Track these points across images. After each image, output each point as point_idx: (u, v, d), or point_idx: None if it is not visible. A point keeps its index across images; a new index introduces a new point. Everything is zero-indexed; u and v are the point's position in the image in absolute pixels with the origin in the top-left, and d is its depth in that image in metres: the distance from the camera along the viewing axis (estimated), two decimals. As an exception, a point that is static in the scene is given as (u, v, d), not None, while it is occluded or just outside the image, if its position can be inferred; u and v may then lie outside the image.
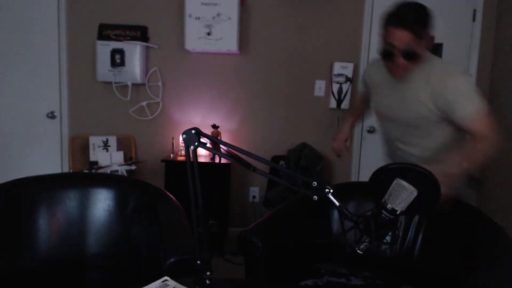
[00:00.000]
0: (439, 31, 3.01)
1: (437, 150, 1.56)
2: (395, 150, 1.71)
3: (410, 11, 1.38)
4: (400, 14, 1.38)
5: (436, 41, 3.02)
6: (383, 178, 0.80)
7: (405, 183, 0.72)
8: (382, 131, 1.79)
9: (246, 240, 1.41)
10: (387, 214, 0.73)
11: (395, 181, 0.73)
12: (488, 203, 2.92)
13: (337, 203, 0.75)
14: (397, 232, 0.69)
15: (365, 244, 0.76)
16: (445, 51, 3.03)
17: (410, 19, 1.36)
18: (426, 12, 1.41)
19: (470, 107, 1.39)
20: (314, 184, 0.76)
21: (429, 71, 1.46)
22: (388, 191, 0.73)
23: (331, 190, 0.75)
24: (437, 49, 3.04)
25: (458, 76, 1.43)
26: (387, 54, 1.44)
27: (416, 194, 0.72)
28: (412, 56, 1.40)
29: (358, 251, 0.77)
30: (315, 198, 0.75)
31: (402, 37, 1.36)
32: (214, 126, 3.01)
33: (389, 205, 0.73)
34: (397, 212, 0.73)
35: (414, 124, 1.55)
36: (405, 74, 1.47)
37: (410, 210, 0.75)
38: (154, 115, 3.17)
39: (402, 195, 0.72)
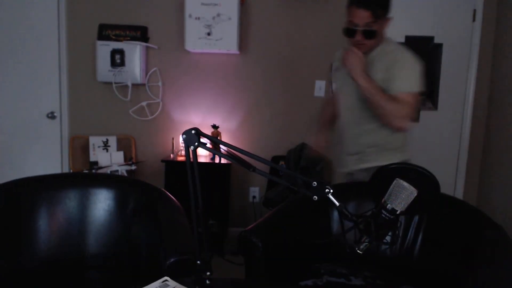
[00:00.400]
0: (439, 31, 3.02)
1: (385, 137, 1.68)
2: (347, 131, 1.79)
3: None
4: None
5: (436, 41, 3.03)
6: (383, 178, 0.80)
7: (405, 183, 0.72)
8: (340, 112, 1.84)
9: (246, 240, 1.41)
10: (387, 214, 0.73)
11: (395, 181, 0.73)
12: (488, 203, 2.92)
13: (337, 203, 0.75)
14: (397, 232, 0.69)
15: (365, 244, 0.76)
16: (445, 51, 3.03)
17: (371, 0, 1.52)
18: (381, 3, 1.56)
19: (408, 84, 1.59)
20: (314, 184, 0.76)
21: (385, 48, 1.64)
22: (388, 191, 0.73)
23: (331, 190, 0.75)
24: (437, 49, 3.04)
25: (411, 56, 1.62)
26: (349, 32, 1.60)
27: (416, 194, 0.72)
28: (370, 34, 1.56)
29: (358, 251, 0.77)
30: (315, 198, 0.75)
31: (362, 16, 1.53)
32: (214, 126, 3.01)
33: (389, 205, 0.73)
34: (397, 212, 0.73)
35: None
36: (364, 51, 1.60)
37: (410, 210, 0.75)
38: (154, 115, 3.17)
39: (402, 195, 0.72)
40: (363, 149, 1.75)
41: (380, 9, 1.54)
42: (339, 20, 3.06)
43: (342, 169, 1.88)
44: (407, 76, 1.59)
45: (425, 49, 3.05)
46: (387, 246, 0.67)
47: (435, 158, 3.10)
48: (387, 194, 0.74)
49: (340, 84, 1.82)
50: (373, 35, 1.57)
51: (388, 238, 0.76)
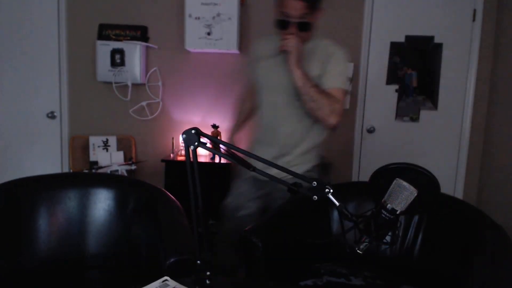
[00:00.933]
0: (439, 31, 3.02)
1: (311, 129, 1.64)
2: (275, 130, 1.66)
3: None
4: None
5: (436, 41, 3.03)
6: (383, 178, 0.80)
7: (405, 183, 0.72)
8: (263, 110, 1.71)
9: (246, 240, 1.41)
10: (387, 214, 0.73)
11: (395, 181, 0.73)
12: (488, 203, 2.92)
13: (337, 203, 0.75)
14: (397, 232, 0.69)
15: (365, 244, 0.76)
16: (445, 51, 3.03)
17: None
18: None
19: (341, 81, 1.58)
20: (314, 184, 0.76)
21: (319, 42, 1.61)
22: (388, 191, 0.73)
23: (331, 190, 0.75)
24: (437, 49, 3.04)
25: (344, 53, 1.61)
26: (282, 24, 1.50)
27: (416, 194, 0.72)
28: (305, 26, 1.49)
29: (358, 251, 0.77)
30: (315, 198, 0.75)
31: (297, 7, 1.44)
32: (214, 126, 3.01)
33: (389, 205, 0.73)
34: (397, 212, 0.73)
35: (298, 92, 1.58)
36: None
37: (410, 210, 0.75)
38: (154, 115, 3.17)
39: (402, 195, 0.72)
40: (291, 151, 1.66)
41: (314, 3, 1.47)
42: (339, 20, 3.07)
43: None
44: (340, 73, 1.57)
45: (425, 49, 3.05)
46: (387, 246, 0.67)
47: (435, 158, 3.10)
48: (387, 194, 0.74)
49: (265, 78, 1.67)
50: (308, 27, 1.50)
51: (388, 238, 0.76)
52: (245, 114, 1.92)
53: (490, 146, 2.99)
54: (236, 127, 1.95)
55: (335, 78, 1.56)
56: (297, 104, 1.58)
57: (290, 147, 1.65)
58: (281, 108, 1.63)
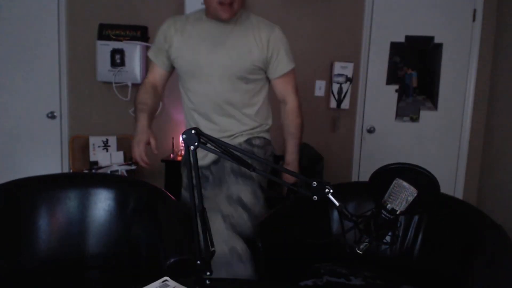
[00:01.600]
0: (439, 31, 3.02)
1: (254, 120, 1.59)
2: (212, 120, 1.56)
3: None
4: None
5: (436, 41, 3.03)
6: (383, 178, 0.80)
7: (405, 183, 0.72)
8: (190, 99, 1.61)
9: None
10: (387, 214, 0.73)
11: (395, 181, 0.73)
12: (488, 203, 2.92)
13: (337, 203, 0.75)
14: (397, 232, 0.69)
15: (365, 244, 0.76)
16: (445, 51, 3.03)
17: None
18: None
19: (291, 63, 1.54)
20: (314, 184, 0.76)
21: (250, 18, 1.52)
22: (388, 191, 0.73)
23: (331, 190, 0.75)
24: (437, 49, 3.04)
25: (279, 29, 1.54)
26: None
27: (416, 194, 0.72)
28: None
29: (358, 251, 0.77)
30: (315, 198, 0.75)
31: None
32: (214, 126, 3.01)
33: (389, 205, 0.73)
34: (397, 212, 0.73)
35: (239, 75, 1.48)
36: (233, 14, 1.43)
37: (410, 210, 0.75)
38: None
39: (402, 195, 0.72)
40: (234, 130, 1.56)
41: None
42: (339, 20, 3.07)
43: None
44: (288, 53, 1.54)
45: (425, 49, 3.05)
46: (387, 246, 0.67)
47: (435, 158, 3.10)
48: (387, 194, 0.74)
49: (192, 62, 1.50)
50: None
51: (388, 238, 0.76)
52: (151, 102, 1.67)
53: (490, 146, 2.99)
54: (143, 111, 1.64)
55: (289, 60, 1.55)
56: (244, 88, 1.52)
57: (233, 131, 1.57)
58: (222, 96, 1.51)
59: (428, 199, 0.81)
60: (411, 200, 0.72)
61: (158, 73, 1.67)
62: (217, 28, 1.47)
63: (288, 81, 1.58)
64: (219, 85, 1.50)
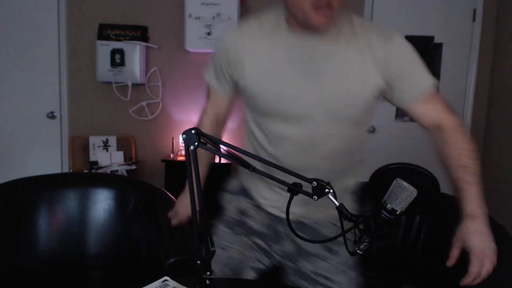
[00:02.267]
0: (439, 31, 3.02)
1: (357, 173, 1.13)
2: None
3: None
4: None
5: (436, 41, 3.03)
6: (383, 178, 0.80)
7: (405, 183, 0.72)
8: (269, 141, 1.08)
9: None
10: (387, 214, 0.73)
11: (395, 181, 0.73)
12: (488, 203, 2.91)
13: (336, 203, 0.75)
14: (397, 232, 0.69)
15: (365, 244, 0.76)
16: (445, 51, 3.03)
17: None
18: None
19: (429, 76, 1.05)
20: (314, 184, 0.76)
21: (356, 25, 1.02)
22: (388, 191, 0.73)
23: (331, 190, 0.75)
24: (437, 49, 3.04)
25: (398, 35, 1.07)
26: None
27: (416, 194, 0.72)
28: None
29: (358, 251, 0.77)
30: (315, 198, 0.75)
31: None
32: (214, 126, 3.01)
33: (389, 205, 0.73)
34: (397, 212, 0.73)
35: (349, 116, 1.01)
36: (331, 20, 0.92)
37: (410, 210, 0.75)
38: (154, 115, 3.17)
39: (402, 195, 0.72)
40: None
41: None
42: (339, 20, 3.07)
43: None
44: (420, 64, 1.08)
45: (425, 49, 3.05)
46: (387, 246, 0.66)
47: (435, 158, 3.10)
48: (387, 194, 0.73)
49: (271, 90, 1.00)
50: None
51: (388, 238, 0.76)
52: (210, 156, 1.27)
53: (490, 146, 2.99)
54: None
55: (423, 76, 1.06)
56: (354, 133, 1.05)
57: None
58: (322, 147, 1.02)
59: (428, 199, 0.81)
60: (411, 200, 0.72)
61: (220, 104, 1.19)
62: (310, 44, 0.96)
63: (435, 99, 1.05)
64: (318, 130, 1.00)
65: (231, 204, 1.25)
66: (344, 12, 0.99)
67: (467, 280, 0.88)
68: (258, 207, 1.16)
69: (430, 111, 1.06)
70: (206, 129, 1.18)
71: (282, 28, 1.00)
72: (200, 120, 1.22)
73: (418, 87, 1.04)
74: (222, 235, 1.15)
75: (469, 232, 0.92)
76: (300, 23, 0.94)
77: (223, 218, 1.22)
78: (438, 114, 1.06)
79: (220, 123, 1.23)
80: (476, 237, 0.91)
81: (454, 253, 0.92)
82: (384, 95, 1.04)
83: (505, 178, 2.73)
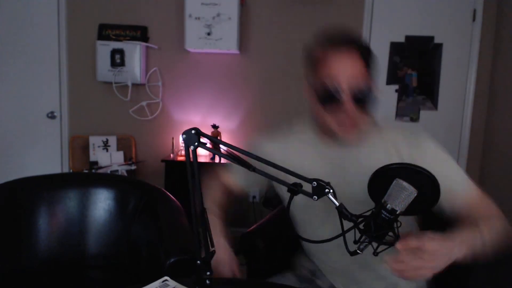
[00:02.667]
0: (439, 31, 3.02)
1: None
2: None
3: (348, 31, 0.96)
4: (338, 33, 0.94)
5: (436, 41, 3.03)
6: (383, 178, 0.80)
7: (405, 184, 0.72)
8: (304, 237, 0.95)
9: (248, 242, 1.40)
10: (387, 214, 0.73)
11: (394, 181, 0.73)
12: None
13: (336, 203, 0.75)
14: (397, 232, 0.70)
15: (365, 244, 0.77)
16: (445, 51, 3.03)
17: (354, 37, 0.94)
18: (366, 43, 1.00)
19: (465, 182, 1.02)
20: (314, 184, 0.76)
21: (385, 131, 1.03)
22: (388, 191, 0.74)
23: (331, 190, 0.75)
24: (437, 49, 3.04)
25: (427, 139, 1.05)
26: (327, 99, 0.93)
27: (416, 195, 0.72)
28: (364, 96, 0.94)
29: (358, 251, 0.77)
30: (315, 198, 0.75)
31: (347, 62, 0.92)
32: (214, 126, 3.01)
33: (389, 205, 0.73)
34: (397, 212, 0.73)
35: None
36: (356, 129, 0.96)
37: (410, 210, 0.75)
38: (154, 115, 3.17)
39: (401, 195, 0.72)
40: None
41: (369, 54, 0.97)
42: (339, 20, 3.07)
43: None
44: (455, 167, 1.06)
45: (425, 49, 3.05)
46: (387, 246, 0.66)
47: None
48: (387, 194, 0.74)
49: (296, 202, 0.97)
50: (368, 98, 0.96)
51: (388, 238, 0.76)
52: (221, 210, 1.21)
53: (490, 146, 2.99)
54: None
55: (459, 181, 1.01)
56: None
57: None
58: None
59: (428, 199, 0.81)
60: (411, 200, 0.72)
61: (236, 185, 1.24)
62: (337, 151, 1.02)
63: (472, 206, 0.98)
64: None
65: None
66: (370, 117, 1.00)
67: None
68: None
69: (463, 219, 0.94)
70: (215, 196, 1.19)
71: (312, 137, 1.07)
72: (210, 187, 1.22)
73: (449, 201, 0.95)
74: None
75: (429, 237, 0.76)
76: (328, 135, 1.00)
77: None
78: (474, 218, 0.93)
79: (231, 195, 1.23)
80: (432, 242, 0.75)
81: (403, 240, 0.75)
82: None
83: (505, 178, 2.73)
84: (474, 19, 2.98)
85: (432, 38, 3.03)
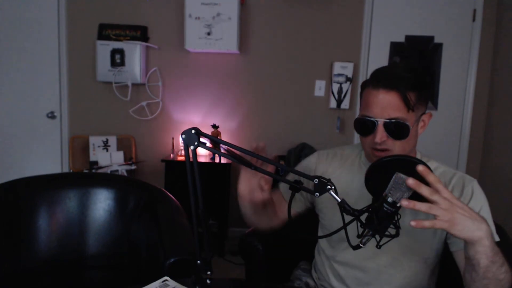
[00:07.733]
0: (439, 31, 3.02)
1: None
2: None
3: (401, 69, 0.99)
4: (386, 73, 0.99)
5: (436, 41, 3.03)
6: (379, 171, 0.81)
7: (404, 177, 0.73)
8: (336, 267, 1.17)
9: (247, 243, 1.40)
10: (389, 207, 0.74)
11: (395, 175, 0.74)
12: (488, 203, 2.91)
13: (338, 199, 0.76)
14: (398, 224, 0.70)
15: (367, 237, 0.77)
16: (445, 51, 3.03)
17: (398, 77, 0.96)
18: (424, 76, 1.01)
19: (492, 227, 1.01)
20: (316, 181, 0.76)
21: (428, 160, 1.12)
22: (389, 186, 0.74)
23: (332, 187, 0.75)
24: (437, 49, 3.04)
25: (475, 182, 1.06)
26: (364, 128, 1.00)
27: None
28: (399, 130, 0.97)
29: (360, 245, 0.78)
30: (317, 195, 0.76)
31: (384, 100, 0.96)
32: (214, 126, 3.01)
33: (390, 198, 0.74)
34: (398, 205, 0.74)
35: (421, 257, 1.10)
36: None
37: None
38: (154, 115, 3.17)
39: (402, 188, 0.73)
40: None
41: (414, 92, 0.98)
42: (339, 20, 3.07)
43: None
44: (490, 219, 1.05)
45: (425, 49, 3.05)
46: (390, 238, 0.66)
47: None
48: (387, 188, 0.74)
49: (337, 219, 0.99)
50: (403, 132, 0.98)
51: (390, 231, 0.77)
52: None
53: (490, 146, 2.99)
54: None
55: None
56: (423, 268, 1.13)
57: None
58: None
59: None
60: (412, 192, 0.73)
61: (279, 201, 1.27)
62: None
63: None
64: (390, 269, 1.09)
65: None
66: (408, 147, 1.06)
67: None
68: None
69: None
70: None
71: (359, 160, 1.16)
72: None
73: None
74: None
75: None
76: (369, 160, 1.08)
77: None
78: None
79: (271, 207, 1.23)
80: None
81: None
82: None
83: (505, 178, 2.73)
84: (474, 19, 2.98)
85: (432, 38, 3.03)
